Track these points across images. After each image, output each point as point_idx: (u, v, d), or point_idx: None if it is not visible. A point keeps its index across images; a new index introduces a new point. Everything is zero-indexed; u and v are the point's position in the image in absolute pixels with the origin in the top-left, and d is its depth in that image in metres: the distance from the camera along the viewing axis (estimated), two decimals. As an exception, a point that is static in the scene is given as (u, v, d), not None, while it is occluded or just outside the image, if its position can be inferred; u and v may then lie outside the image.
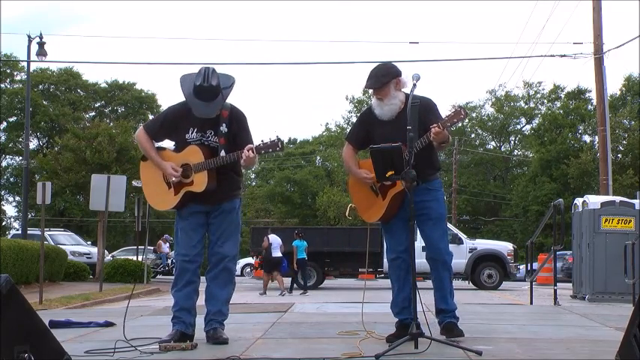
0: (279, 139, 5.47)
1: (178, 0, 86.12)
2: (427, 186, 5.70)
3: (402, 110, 5.60)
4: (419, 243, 5.93)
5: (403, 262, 5.61)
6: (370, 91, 5.81)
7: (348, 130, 6.31)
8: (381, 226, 5.90)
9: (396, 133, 5.40)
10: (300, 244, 19.92)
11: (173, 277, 5.90)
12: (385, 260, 21.19)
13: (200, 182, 5.58)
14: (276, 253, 19.19)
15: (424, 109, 5.59)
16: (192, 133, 5.65)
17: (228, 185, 5.75)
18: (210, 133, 5.65)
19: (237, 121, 5.73)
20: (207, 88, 5.49)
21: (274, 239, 19.33)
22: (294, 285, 20.19)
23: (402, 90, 5.70)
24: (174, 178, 5.62)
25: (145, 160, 5.91)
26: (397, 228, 5.68)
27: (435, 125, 5.37)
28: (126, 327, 5.75)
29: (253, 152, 5.42)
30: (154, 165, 5.77)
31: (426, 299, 5.41)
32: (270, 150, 5.50)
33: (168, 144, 5.92)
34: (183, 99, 5.71)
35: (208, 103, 5.53)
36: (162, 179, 5.75)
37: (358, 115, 6.43)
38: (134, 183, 23.73)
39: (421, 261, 5.87)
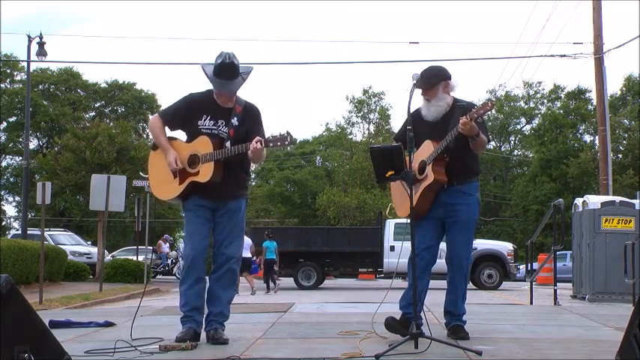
0: (288, 133, 5.50)
1: (178, 0, 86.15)
2: (461, 188, 5.75)
3: (447, 112, 5.70)
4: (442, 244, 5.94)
5: (422, 260, 5.65)
6: (420, 91, 5.81)
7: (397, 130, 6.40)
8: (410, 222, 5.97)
9: (438, 133, 5.49)
10: (269, 245, 20.01)
11: (180, 274, 5.85)
12: (385, 260, 21.61)
13: (205, 173, 5.59)
14: (246, 254, 19.35)
15: (466, 111, 5.63)
16: (204, 120, 5.69)
17: (235, 183, 5.76)
18: (222, 124, 5.68)
19: (251, 116, 5.77)
20: (229, 65, 5.58)
21: (245, 240, 19.45)
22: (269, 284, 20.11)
23: (450, 93, 5.78)
24: (173, 167, 5.63)
25: (154, 150, 5.93)
26: (423, 226, 5.71)
27: (463, 117, 5.42)
28: (125, 327, 5.76)
29: (261, 144, 5.44)
30: (161, 152, 5.78)
31: (428, 299, 5.41)
32: (279, 144, 5.52)
33: (181, 135, 5.95)
34: (191, 92, 5.82)
35: (228, 82, 5.61)
36: (169, 168, 5.76)
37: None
38: (134, 183, 23.73)
39: (439, 261, 5.89)
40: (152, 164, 5.95)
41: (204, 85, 5.85)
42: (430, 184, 5.61)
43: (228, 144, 5.59)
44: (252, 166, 6.23)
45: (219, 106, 5.72)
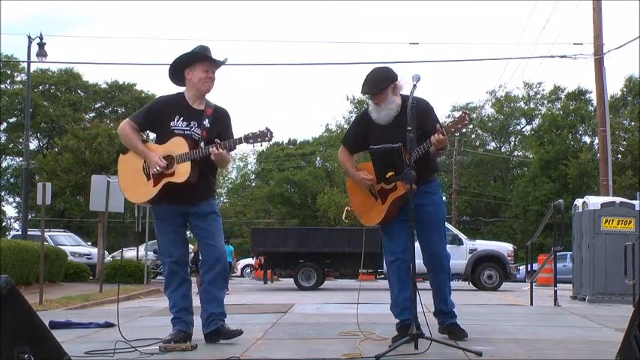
0: (268, 129, 5.50)
1: (178, 0, 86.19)
2: (426, 189, 5.69)
3: (398, 114, 5.60)
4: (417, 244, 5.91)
5: (403, 263, 5.58)
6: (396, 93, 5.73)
7: (345, 133, 6.32)
8: (380, 229, 5.87)
9: (393, 136, 5.37)
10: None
11: (164, 278, 5.92)
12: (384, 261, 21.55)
13: (182, 172, 5.55)
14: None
15: (420, 111, 5.59)
16: (177, 122, 5.68)
17: (205, 186, 5.76)
18: (194, 125, 5.68)
19: (222, 119, 5.79)
20: (206, 47, 5.74)
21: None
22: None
23: (399, 93, 5.69)
24: (157, 168, 5.56)
25: (124, 154, 5.88)
26: (396, 230, 5.66)
27: (438, 132, 5.35)
28: (126, 328, 5.77)
29: (222, 148, 5.48)
30: (134, 156, 5.73)
31: (425, 300, 5.41)
32: (259, 139, 5.54)
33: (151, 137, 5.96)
34: (160, 95, 5.95)
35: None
36: (142, 171, 5.69)
37: (355, 117, 6.43)
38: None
39: (420, 262, 5.87)
40: (123, 167, 5.88)
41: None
42: (401, 195, 5.50)
43: (202, 144, 5.59)
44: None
45: (191, 107, 5.72)
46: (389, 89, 5.60)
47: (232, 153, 5.92)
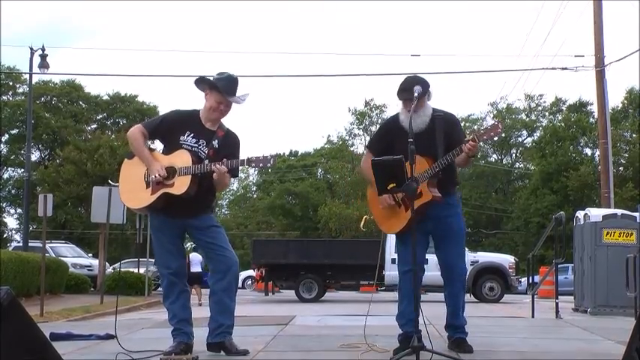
0: (271, 156, 5.54)
1: (180, 13, 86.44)
2: (448, 200, 5.70)
3: (428, 123, 5.60)
4: (433, 255, 5.89)
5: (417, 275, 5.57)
6: (400, 103, 5.72)
7: (369, 138, 6.30)
8: (396, 237, 5.86)
9: (423, 146, 5.34)
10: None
11: (162, 290, 5.92)
12: (387, 273, 21.51)
13: (181, 185, 5.57)
14: (195, 269, 20.22)
15: (448, 123, 5.60)
16: (187, 137, 5.72)
17: (204, 202, 5.78)
18: (203, 144, 5.72)
19: (231, 144, 5.83)
20: (234, 79, 5.75)
21: (194, 257, 20.35)
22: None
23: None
24: (156, 175, 5.57)
25: (129, 159, 5.90)
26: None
27: (471, 138, 5.36)
28: (126, 339, 5.76)
29: (225, 166, 5.49)
30: (138, 163, 5.75)
31: (428, 312, 5.41)
32: (261, 165, 5.58)
33: (157, 146, 5.96)
34: (177, 109, 5.92)
35: (230, 94, 5.71)
36: (143, 178, 5.72)
37: (381, 123, 6.37)
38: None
39: (429, 274, 5.86)
40: (125, 172, 5.91)
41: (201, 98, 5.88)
42: (426, 202, 5.50)
43: (206, 162, 5.62)
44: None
45: (203, 126, 5.77)
46: (425, 96, 5.61)
47: (232, 179, 5.93)
